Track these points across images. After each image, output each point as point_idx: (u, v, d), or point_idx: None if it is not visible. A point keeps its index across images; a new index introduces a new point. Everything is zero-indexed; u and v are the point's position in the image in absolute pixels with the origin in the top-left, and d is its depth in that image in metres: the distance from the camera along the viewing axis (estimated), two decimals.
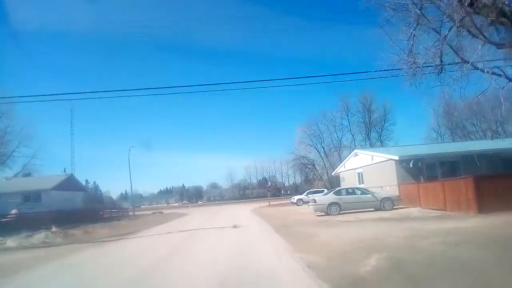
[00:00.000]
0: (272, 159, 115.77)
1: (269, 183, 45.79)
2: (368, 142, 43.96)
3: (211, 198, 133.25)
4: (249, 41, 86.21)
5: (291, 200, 37.26)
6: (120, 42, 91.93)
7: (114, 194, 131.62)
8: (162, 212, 44.56)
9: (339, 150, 43.89)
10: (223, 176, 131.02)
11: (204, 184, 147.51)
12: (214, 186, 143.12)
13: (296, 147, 46.01)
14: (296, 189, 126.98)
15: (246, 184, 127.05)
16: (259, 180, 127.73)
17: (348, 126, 46.29)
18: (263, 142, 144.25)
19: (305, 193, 37.08)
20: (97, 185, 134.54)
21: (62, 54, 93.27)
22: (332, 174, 35.62)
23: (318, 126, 46.61)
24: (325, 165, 44.23)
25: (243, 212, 31.50)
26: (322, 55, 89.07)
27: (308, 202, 36.05)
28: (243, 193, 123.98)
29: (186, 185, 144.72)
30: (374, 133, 43.99)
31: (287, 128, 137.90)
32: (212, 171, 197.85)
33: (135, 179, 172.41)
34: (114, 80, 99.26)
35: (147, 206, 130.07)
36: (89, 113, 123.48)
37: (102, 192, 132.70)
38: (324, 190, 37.46)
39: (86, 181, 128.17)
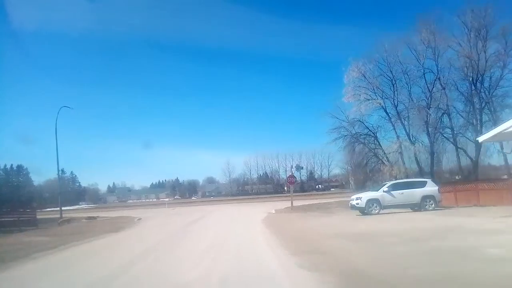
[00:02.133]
0: (275, 152, 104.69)
1: (292, 170, 25.34)
2: (477, 97, 22.94)
3: (206, 194, 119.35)
4: (247, 41, 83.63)
5: (353, 202, 16.62)
6: (119, 42, 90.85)
7: (104, 187, 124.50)
8: (96, 217, 23.96)
9: (428, 110, 22.62)
10: (221, 170, 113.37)
11: (200, 178, 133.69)
12: (210, 180, 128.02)
13: (344, 101, 24.11)
14: (302, 186, 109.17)
15: (245, 179, 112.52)
16: (260, 175, 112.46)
17: (436, 72, 23.06)
18: (264, 135, 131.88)
19: (382, 189, 16.51)
20: (75, 176, 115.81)
21: (61, 54, 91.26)
22: (480, 140, 14.57)
23: (387, 64, 23.32)
24: (397, 137, 22.84)
25: (252, 236, 11.07)
26: (321, 55, 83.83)
27: (393, 205, 15.21)
28: (242, 189, 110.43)
29: (181, 179, 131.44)
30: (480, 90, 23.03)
31: (294, 117, 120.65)
32: (209, 165, 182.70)
33: (126, 171, 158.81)
34: (114, 79, 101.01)
35: (134, 200, 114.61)
36: (84, 108, 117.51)
37: (85, 185, 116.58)
38: (426, 182, 16.93)
39: (62, 170, 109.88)
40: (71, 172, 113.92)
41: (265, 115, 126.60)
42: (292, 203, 23.55)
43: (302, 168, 27.74)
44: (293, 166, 24.99)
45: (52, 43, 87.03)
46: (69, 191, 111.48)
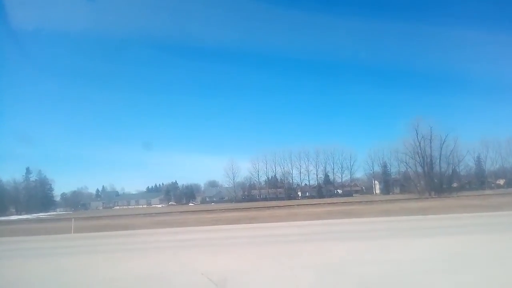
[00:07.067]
0: (287, 152, 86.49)
1: None
2: None
3: (207, 199, 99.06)
4: (247, 41, 77.77)
5: None
6: (119, 42, 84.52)
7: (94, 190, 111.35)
8: None
9: None
10: (224, 173, 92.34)
11: (202, 182, 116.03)
12: (213, 184, 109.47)
13: None
14: (319, 191, 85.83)
15: (252, 183, 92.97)
16: (269, 178, 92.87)
17: None
18: (274, 134, 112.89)
19: None
20: (44, 176, 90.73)
21: (61, 54, 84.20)
22: None
23: None
24: None
25: None
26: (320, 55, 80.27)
27: None
28: (248, 194, 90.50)
29: (181, 183, 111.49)
30: None
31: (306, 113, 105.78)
32: (212, 168, 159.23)
33: (123, 174, 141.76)
34: (112, 79, 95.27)
35: (122, 207, 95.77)
36: (82, 108, 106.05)
37: (75, 189, 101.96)
38: None
39: (27, 169, 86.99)
40: (39, 171, 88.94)
41: (273, 112, 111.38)
42: None
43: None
44: None
45: (51, 42, 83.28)
46: (37, 195, 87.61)
